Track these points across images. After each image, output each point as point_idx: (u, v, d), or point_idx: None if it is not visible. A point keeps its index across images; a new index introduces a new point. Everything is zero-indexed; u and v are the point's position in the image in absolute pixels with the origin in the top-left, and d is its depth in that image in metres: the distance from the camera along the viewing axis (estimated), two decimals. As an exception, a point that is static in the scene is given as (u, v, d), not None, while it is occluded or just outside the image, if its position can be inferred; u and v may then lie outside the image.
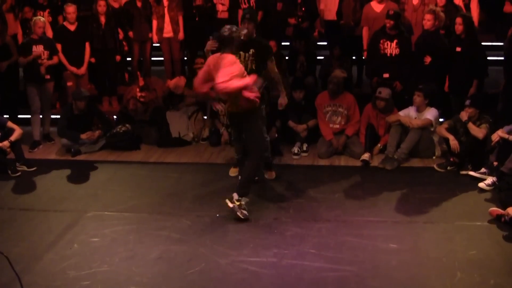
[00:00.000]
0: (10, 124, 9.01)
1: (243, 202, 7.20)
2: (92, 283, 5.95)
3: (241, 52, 7.83)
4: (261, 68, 7.99)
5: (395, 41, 9.51)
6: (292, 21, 11.38)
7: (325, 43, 12.16)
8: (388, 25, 9.46)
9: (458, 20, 9.10)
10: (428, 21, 9.34)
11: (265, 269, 6.09)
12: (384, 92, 9.29)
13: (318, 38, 12.41)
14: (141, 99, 10.37)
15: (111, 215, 7.41)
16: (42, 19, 10.02)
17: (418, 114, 9.08)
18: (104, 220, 7.27)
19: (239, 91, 6.90)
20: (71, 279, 6.02)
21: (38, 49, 9.88)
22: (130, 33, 11.52)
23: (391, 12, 9.42)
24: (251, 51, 7.91)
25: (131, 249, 6.54)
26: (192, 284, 5.94)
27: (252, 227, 7.00)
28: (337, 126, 9.48)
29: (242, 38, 7.28)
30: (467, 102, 8.54)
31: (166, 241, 6.71)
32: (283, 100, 8.23)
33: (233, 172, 8.62)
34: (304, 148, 9.45)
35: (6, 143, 8.82)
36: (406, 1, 10.52)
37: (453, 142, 8.54)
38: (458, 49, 9.15)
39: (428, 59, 9.38)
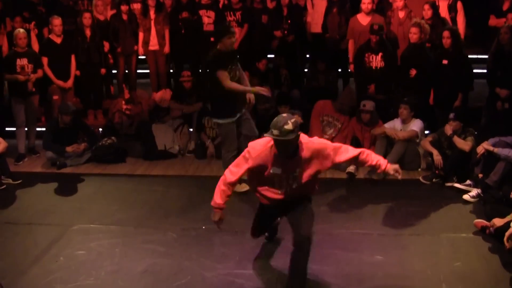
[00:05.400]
0: (-6, 137, 8.96)
1: None
2: (78, 297, 5.93)
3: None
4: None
5: (380, 54, 9.58)
6: (277, 34, 11.41)
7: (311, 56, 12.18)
8: (373, 39, 9.53)
9: (446, 33, 9.16)
10: (414, 35, 9.40)
11: (251, 282, 6.09)
12: (368, 104, 9.33)
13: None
14: (127, 112, 10.36)
15: (97, 228, 7.38)
16: (22, 31, 9.95)
17: (403, 126, 9.12)
18: (90, 233, 7.23)
19: None
20: (57, 293, 5.99)
21: (22, 62, 9.83)
22: (119, 49, 11.50)
23: (375, 27, 9.50)
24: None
25: (117, 263, 6.51)
26: (178, 297, 5.93)
27: (238, 239, 6.99)
28: (327, 137, 9.45)
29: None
30: (451, 115, 8.57)
31: (152, 254, 6.69)
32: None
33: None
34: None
35: (-10, 157, 8.77)
36: (392, 14, 10.57)
37: (437, 157, 8.54)
38: (445, 62, 9.20)
39: (413, 72, 9.44)
